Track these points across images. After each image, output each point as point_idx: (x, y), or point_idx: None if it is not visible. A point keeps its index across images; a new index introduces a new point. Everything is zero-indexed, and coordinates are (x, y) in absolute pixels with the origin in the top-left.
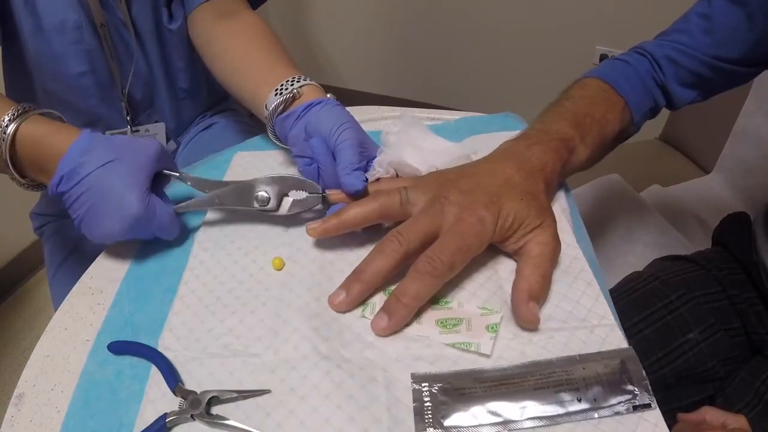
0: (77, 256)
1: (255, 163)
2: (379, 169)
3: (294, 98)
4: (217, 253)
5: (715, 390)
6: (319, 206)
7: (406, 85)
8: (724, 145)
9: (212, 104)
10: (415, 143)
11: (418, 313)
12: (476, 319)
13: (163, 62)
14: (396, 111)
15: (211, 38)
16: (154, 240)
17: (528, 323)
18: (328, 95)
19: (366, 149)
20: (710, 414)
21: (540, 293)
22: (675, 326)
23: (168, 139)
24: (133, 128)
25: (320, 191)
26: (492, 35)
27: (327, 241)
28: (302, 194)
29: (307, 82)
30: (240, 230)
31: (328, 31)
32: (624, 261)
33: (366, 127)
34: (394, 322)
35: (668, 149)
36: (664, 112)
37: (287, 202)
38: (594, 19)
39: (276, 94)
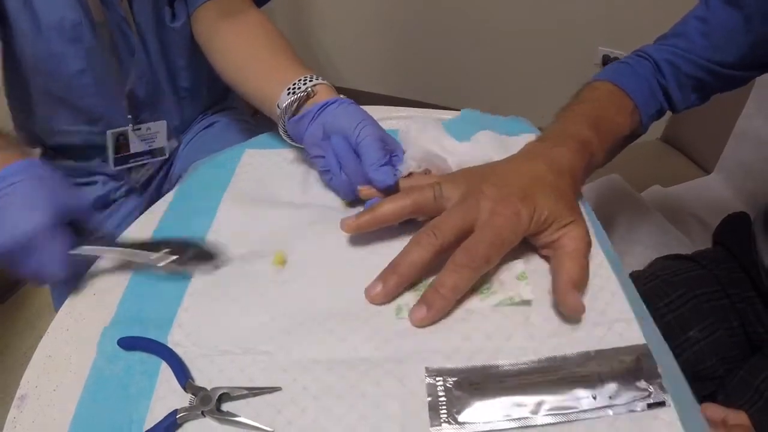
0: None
1: (263, 162)
2: (411, 162)
3: (308, 96)
4: (229, 250)
5: (715, 387)
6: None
7: (407, 85)
8: (725, 146)
9: (213, 103)
10: (438, 143)
11: None
12: (503, 274)
13: (165, 60)
14: (401, 111)
15: (214, 36)
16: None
17: (574, 312)
18: (341, 96)
19: (387, 145)
20: (711, 410)
21: (581, 283)
22: (676, 325)
23: (170, 137)
24: (135, 126)
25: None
26: (493, 35)
27: (342, 240)
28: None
29: (320, 81)
30: (253, 227)
31: (328, 31)
32: (624, 261)
33: None
34: (433, 314)
35: (669, 150)
36: (666, 113)
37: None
38: (596, 20)
39: (289, 93)
